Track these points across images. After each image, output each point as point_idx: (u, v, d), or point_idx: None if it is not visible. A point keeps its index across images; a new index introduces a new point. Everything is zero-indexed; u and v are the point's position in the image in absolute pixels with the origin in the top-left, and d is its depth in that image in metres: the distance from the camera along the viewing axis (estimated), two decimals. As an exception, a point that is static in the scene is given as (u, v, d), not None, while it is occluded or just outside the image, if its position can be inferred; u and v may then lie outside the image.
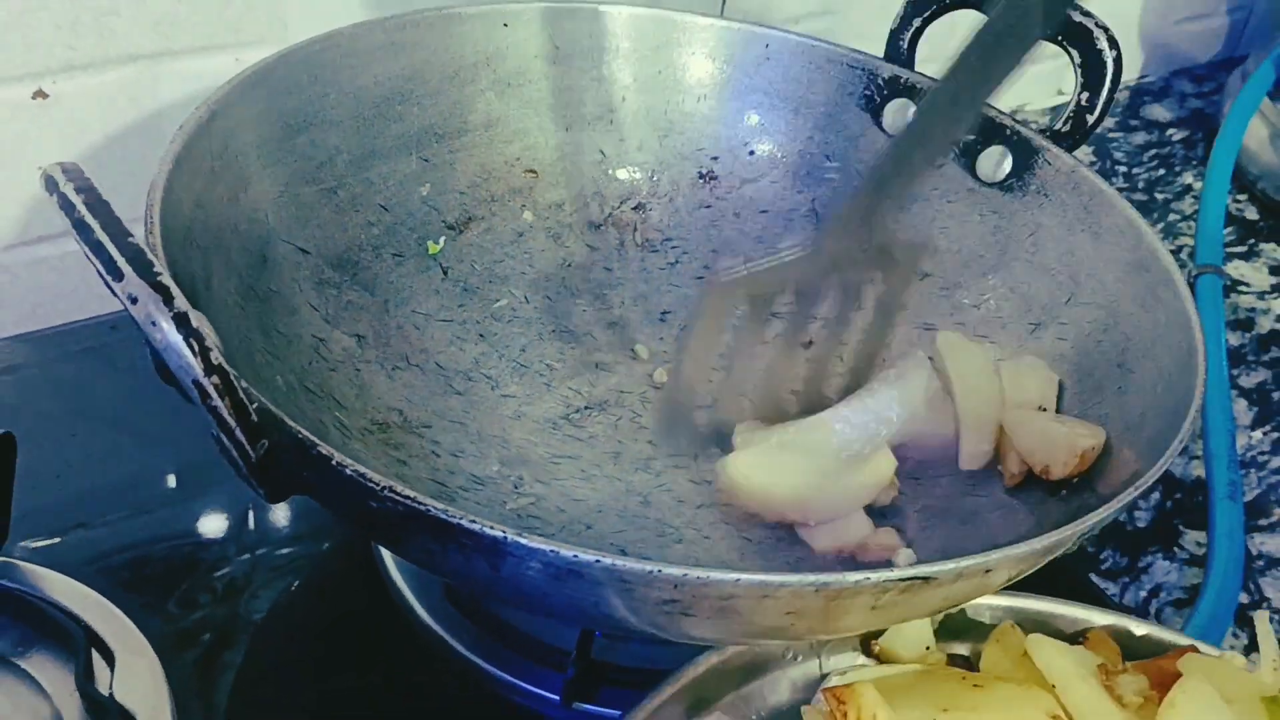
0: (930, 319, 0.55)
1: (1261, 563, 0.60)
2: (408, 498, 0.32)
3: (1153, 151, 0.90)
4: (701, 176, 0.59)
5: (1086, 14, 0.51)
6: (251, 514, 0.54)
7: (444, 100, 0.55)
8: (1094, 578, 0.58)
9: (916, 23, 0.55)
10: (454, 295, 0.54)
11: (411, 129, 0.54)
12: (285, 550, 0.52)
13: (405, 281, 0.53)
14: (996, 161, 0.54)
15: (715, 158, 0.59)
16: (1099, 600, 0.55)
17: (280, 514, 0.54)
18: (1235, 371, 0.71)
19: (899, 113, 0.56)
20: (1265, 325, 0.75)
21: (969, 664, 0.45)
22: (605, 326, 0.55)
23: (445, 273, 0.54)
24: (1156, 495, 0.63)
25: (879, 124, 0.57)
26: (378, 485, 0.32)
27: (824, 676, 0.43)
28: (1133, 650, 0.45)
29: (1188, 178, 0.87)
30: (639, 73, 0.58)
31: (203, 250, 0.42)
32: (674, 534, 0.47)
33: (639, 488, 0.49)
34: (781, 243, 0.56)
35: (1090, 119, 0.52)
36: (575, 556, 0.31)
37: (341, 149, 0.52)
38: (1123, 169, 0.88)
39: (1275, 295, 0.78)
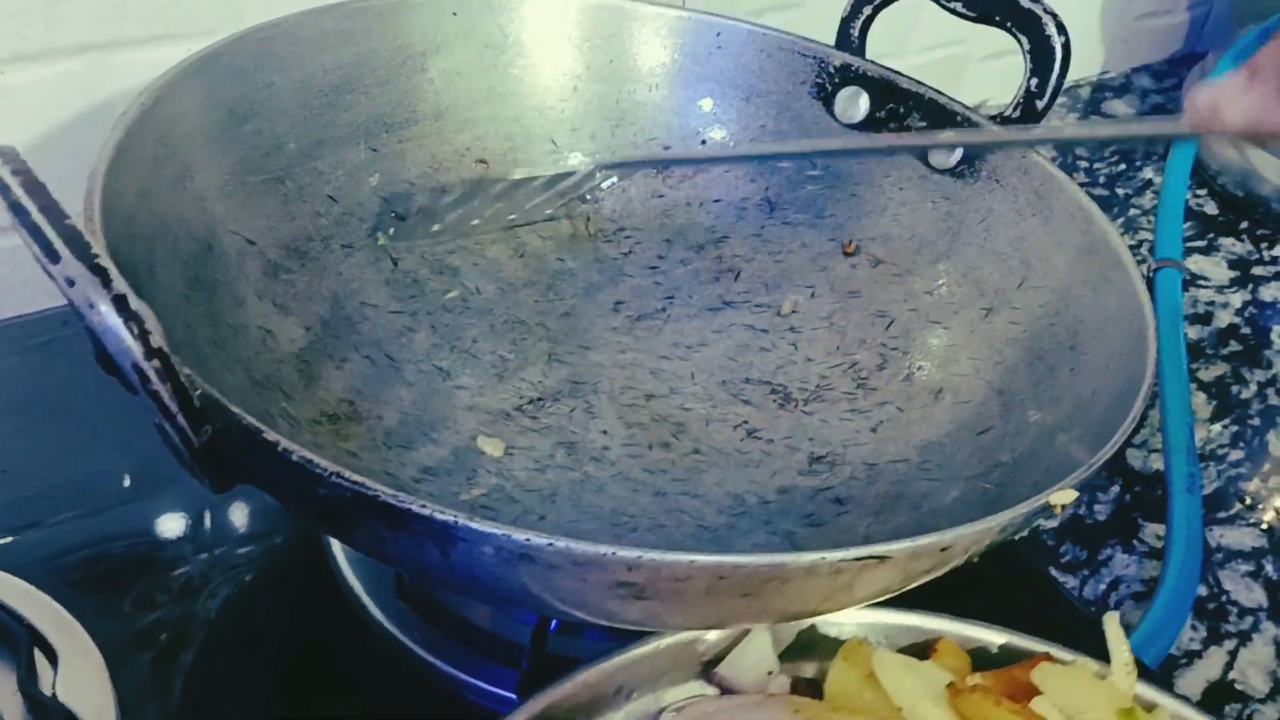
0: (884, 306, 0.55)
1: (1220, 555, 0.60)
2: (356, 483, 0.31)
3: (1113, 147, 0.91)
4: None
5: (1034, 0, 0.51)
6: (209, 513, 0.53)
7: (393, 89, 0.54)
8: (1054, 571, 0.58)
9: (867, 10, 0.55)
10: (405, 286, 0.53)
11: (360, 118, 0.54)
12: (244, 549, 0.52)
13: (355, 272, 0.52)
14: (948, 149, 0.54)
15: (667, 146, 0.59)
16: (1056, 595, 0.55)
17: (238, 513, 0.53)
18: (1194, 365, 0.71)
19: (850, 100, 0.56)
20: (1224, 319, 0.76)
21: (817, 686, 0.42)
22: (559, 317, 0.55)
23: (395, 264, 0.54)
24: (1116, 488, 0.63)
25: (831, 112, 0.57)
26: (325, 471, 0.32)
27: (661, 711, 0.41)
28: (987, 660, 0.43)
29: (1148, 173, 0.88)
30: (591, 61, 0.58)
31: (146, 239, 0.42)
32: (629, 523, 0.46)
33: (594, 477, 0.48)
34: (734, 232, 0.56)
35: (1040, 104, 0.52)
36: (528, 540, 0.31)
37: (288, 138, 0.51)
38: (1084, 164, 0.88)
39: (1234, 289, 0.78)
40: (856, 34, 0.56)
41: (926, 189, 0.55)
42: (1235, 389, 0.70)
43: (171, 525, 0.52)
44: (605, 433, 0.50)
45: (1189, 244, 0.82)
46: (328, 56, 0.52)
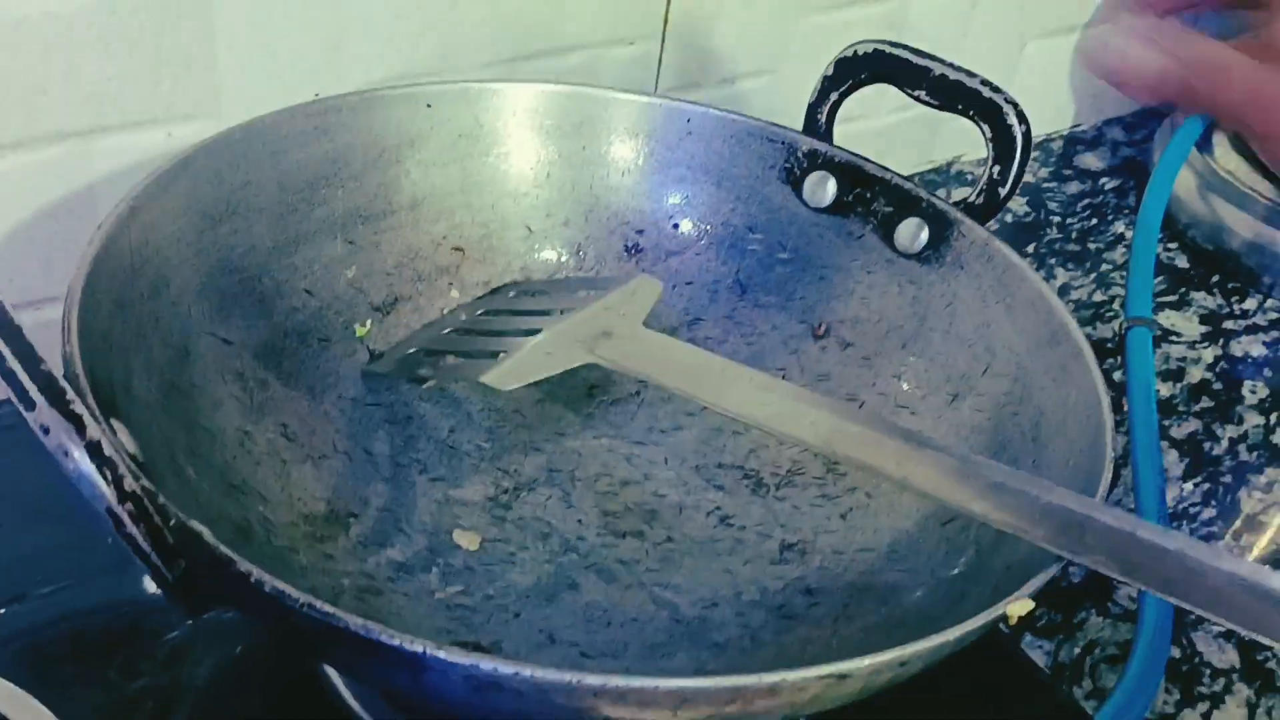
0: (853, 390, 0.56)
1: (1193, 616, 0.61)
2: (326, 613, 0.32)
3: (1086, 201, 0.92)
4: (627, 250, 0.60)
5: (995, 90, 0.52)
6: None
7: (369, 182, 0.55)
8: (1029, 636, 0.59)
9: (834, 96, 0.56)
10: (381, 379, 0.54)
11: (336, 212, 0.54)
12: (230, 614, 0.52)
13: (331, 366, 0.53)
14: (913, 233, 0.55)
15: (640, 231, 0.60)
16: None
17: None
18: (1166, 422, 0.72)
19: (818, 185, 0.57)
20: (1196, 375, 0.77)
21: None
22: (533, 404, 0.56)
23: (372, 355, 0.55)
24: (1089, 551, 0.63)
25: (799, 196, 0.58)
26: (297, 602, 0.32)
27: None
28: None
29: (1119, 227, 0.89)
30: (563, 149, 0.59)
31: (123, 351, 0.42)
32: (603, 618, 0.47)
33: (568, 571, 0.49)
34: (706, 314, 0.57)
35: (1003, 191, 0.53)
36: (495, 669, 0.32)
37: (265, 236, 0.52)
38: (1056, 219, 0.89)
39: (1206, 345, 0.79)
40: (824, 119, 0.57)
41: (893, 273, 0.56)
42: (1207, 445, 0.71)
43: (155, 591, 0.52)
44: (580, 522, 0.51)
45: (1160, 299, 0.83)
46: (302, 153, 0.53)
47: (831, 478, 0.53)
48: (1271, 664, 0.59)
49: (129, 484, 0.31)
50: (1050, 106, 0.96)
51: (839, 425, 0.43)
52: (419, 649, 0.31)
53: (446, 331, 0.55)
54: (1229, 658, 0.59)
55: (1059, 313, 0.49)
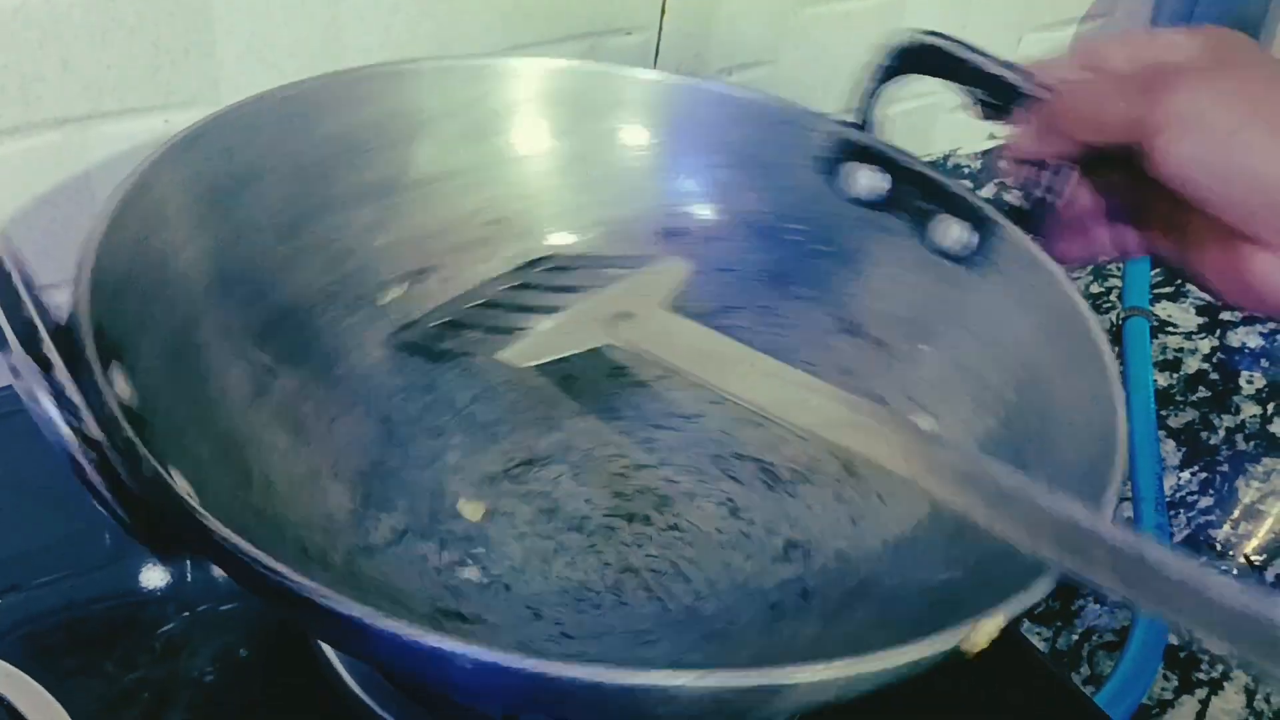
0: (881, 389, 0.53)
1: (1191, 603, 0.61)
2: (271, 568, 0.31)
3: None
4: (664, 233, 0.59)
5: (1026, 76, 0.49)
6: (189, 570, 0.53)
7: (401, 152, 0.55)
8: (1028, 623, 0.59)
9: (880, 86, 0.54)
10: (408, 347, 0.54)
11: (366, 181, 0.54)
12: (227, 606, 0.52)
13: (355, 331, 0.53)
14: (957, 235, 0.52)
15: (677, 213, 0.58)
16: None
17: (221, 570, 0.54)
18: (1164, 412, 0.72)
19: (864, 178, 0.55)
20: (1193, 365, 0.77)
21: None
22: (559, 379, 0.55)
23: (402, 327, 0.54)
24: (1087, 538, 0.63)
25: (844, 188, 0.55)
26: (249, 556, 0.32)
27: None
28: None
29: (1116, 219, 0.89)
30: (597, 128, 0.58)
31: (137, 303, 0.42)
32: (593, 599, 0.47)
33: (568, 548, 0.49)
34: (740, 303, 0.56)
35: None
36: (417, 641, 0.31)
37: (294, 200, 0.51)
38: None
39: (1202, 335, 0.79)
40: (870, 109, 0.54)
41: (935, 275, 0.53)
42: (1204, 435, 0.71)
43: (153, 583, 0.53)
44: (588, 501, 0.51)
45: (1157, 290, 0.83)
46: (333, 122, 0.53)
47: (850, 480, 0.51)
48: (1269, 650, 0.59)
49: (92, 430, 0.31)
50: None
51: (847, 417, 0.42)
52: (353, 613, 0.31)
53: (474, 305, 0.54)
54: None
55: (1094, 331, 0.46)
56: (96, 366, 0.36)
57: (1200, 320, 0.80)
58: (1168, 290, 0.83)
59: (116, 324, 0.40)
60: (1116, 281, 0.82)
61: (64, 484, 0.53)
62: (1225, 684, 0.57)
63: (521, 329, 0.50)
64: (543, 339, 0.50)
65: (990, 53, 0.50)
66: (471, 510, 0.50)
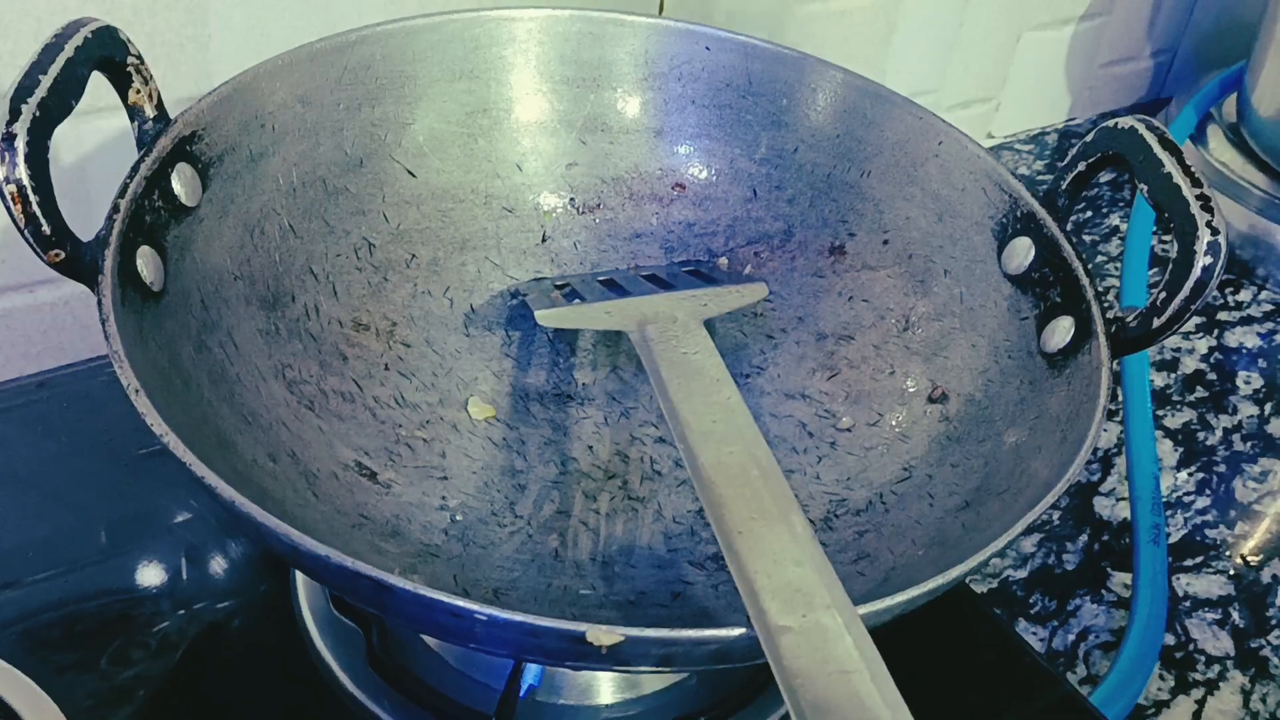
0: (928, 462, 0.51)
1: (1187, 604, 0.61)
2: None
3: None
4: (832, 250, 0.59)
5: (1207, 208, 0.43)
6: (185, 569, 0.53)
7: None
8: (1024, 621, 0.59)
9: (1081, 166, 0.50)
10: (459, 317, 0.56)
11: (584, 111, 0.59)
12: (222, 604, 0.52)
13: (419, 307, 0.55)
14: (1058, 333, 0.49)
15: (853, 234, 0.58)
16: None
17: (217, 567, 0.54)
18: (1161, 413, 0.72)
19: (1019, 249, 0.52)
20: (1190, 365, 0.77)
21: None
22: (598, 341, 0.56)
23: (451, 303, 0.56)
24: (1084, 537, 0.63)
25: (998, 255, 0.53)
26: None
27: None
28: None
29: (1114, 219, 0.89)
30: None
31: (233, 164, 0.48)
32: (506, 519, 0.48)
33: (529, 473, 0.50)
34: (860, 335, 0.56)
35: (1157, 322, 0.45)
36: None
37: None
38: (1051, 211, 0.89)
39: (1200, 335, 0.79)
40: (1066, 188, 0.51)
41: (1025, 367, 0.50)
42: (1201, 435, 0.71)
43: (148, 581, 0.53)
44: (590, 449, 0.51)
45: (1154, 290, 0.83)
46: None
47: (866, 515, 0.50)
48: (1266, 651, 0.59)
49: (19, 172, 0.37)
50: (1045, 100, 0.96)
51: (740, 461, 0.41)
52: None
53: (596, 277, 0.57)
54: (1223, 645, 0.59)
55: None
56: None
57: (1198, 320, 0.80)
58: (1165, 290, 0.83)
59: (211, 147, 0.47)
60: (1114, 282, 0.82)
61: (60, 481, 0.54)
62: (1221, 684, 0.57)
63: (579, 299, 0.53)
64: (577, 311, 0.52)
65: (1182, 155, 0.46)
66: (478, 410, 0.51)
